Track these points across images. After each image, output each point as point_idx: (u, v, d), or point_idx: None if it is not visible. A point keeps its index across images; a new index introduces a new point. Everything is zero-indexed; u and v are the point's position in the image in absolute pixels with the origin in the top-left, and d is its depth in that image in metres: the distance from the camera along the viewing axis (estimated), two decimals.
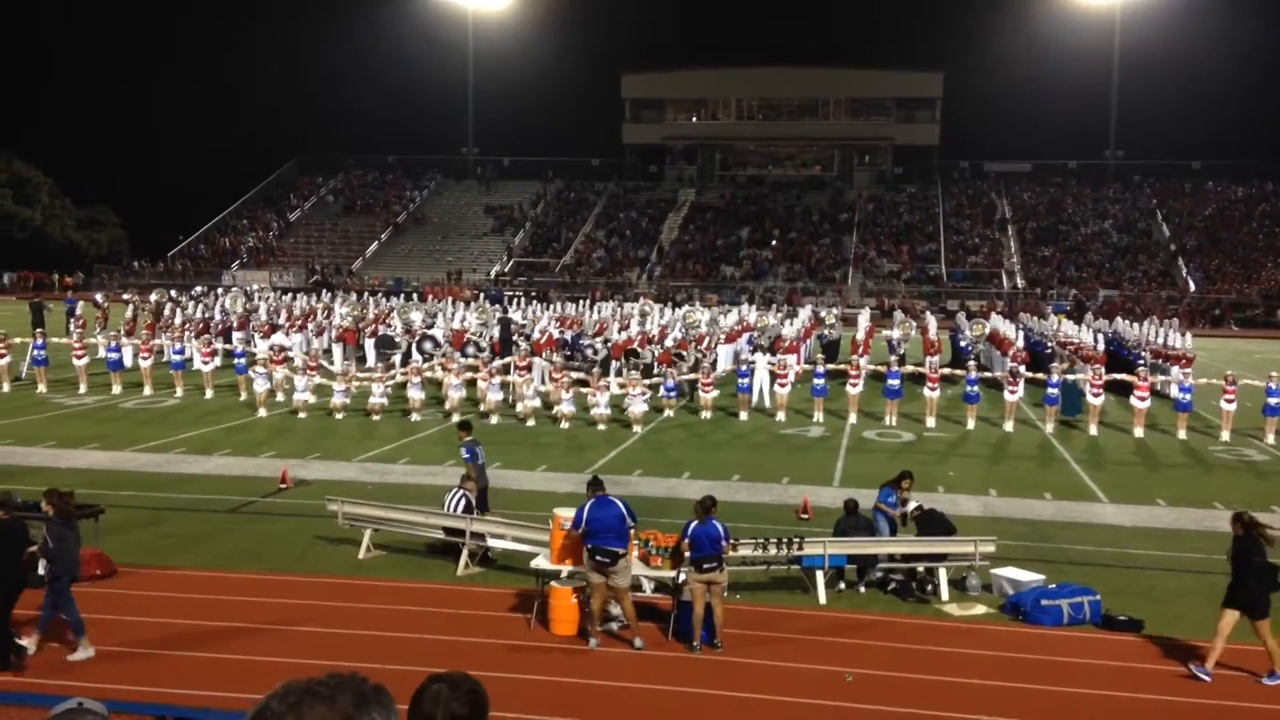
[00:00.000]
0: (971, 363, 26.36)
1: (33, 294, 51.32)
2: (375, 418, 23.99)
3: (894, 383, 25.29)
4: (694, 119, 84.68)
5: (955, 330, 36.80)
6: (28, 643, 10.43)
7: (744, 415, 25.49)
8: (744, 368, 26.64)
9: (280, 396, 25.28)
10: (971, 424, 24.54)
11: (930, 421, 24.84)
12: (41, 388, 27.00)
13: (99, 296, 41.56)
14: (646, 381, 25.09)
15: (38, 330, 29.26)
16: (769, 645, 11.14)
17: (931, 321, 37.73)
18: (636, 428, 23.42)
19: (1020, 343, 31.21)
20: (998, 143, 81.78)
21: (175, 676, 9.88)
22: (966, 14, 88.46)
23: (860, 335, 32.64)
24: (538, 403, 24.47)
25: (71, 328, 32.50)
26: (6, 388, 27.00)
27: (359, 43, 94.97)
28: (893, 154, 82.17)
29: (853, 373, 25.71)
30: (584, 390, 24.53)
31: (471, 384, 25.90)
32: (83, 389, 26.81)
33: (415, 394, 24.48)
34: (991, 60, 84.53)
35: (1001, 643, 11.46)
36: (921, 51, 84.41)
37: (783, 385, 25.75)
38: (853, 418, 25.09)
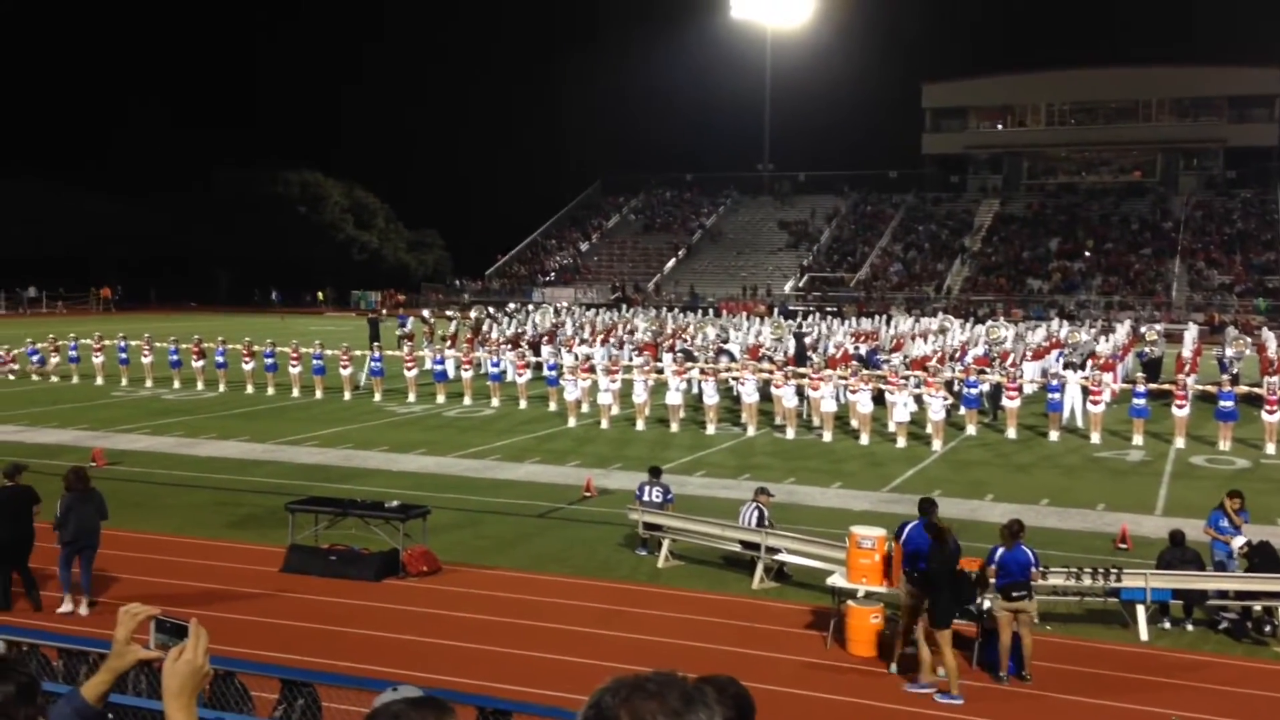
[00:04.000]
0: None
1: (370, 311, 56.22)
2: (674, 427, 24.63)
3: (1227, 404, 23.17)
4: (999, 126, 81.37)
5: None
6: (70, 607, 12.08)
7: (1054, 435, 24.19)
8: (1054, 383, 25.29)
9: (586, 407, 26.41)
10: None
11: (1270, 448, 22.62)
12: (377, 397, 29.53)
13: (426, 313, 45.03)
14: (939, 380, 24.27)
15: (374, 344, 32.08)
16: (1083, 681, 10.51)
17: (1270, 338, 34.29)
18: (936, 443, 22.76)
19: None
20: None
21: (492, 670, 10.53)
22: None
23: (1187, 353, 30.17)
24: (834, 408, 24.34)
25: (401, 342, 35.39)
26: (348, 396, 29.71)
27: (659, 66, 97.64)
28: (1224, 156, 75.55)
29: (1178, 393, 23.77)
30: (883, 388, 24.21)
31: (767, 396, 26.03)
32: (411, 398, 29.10)
33: (710, 399, 24.98)
34: None
35: None
36: (1256, 46, 77.11)
37: (1096, 404, 24.23)
38: (1179, 442, 23.20)
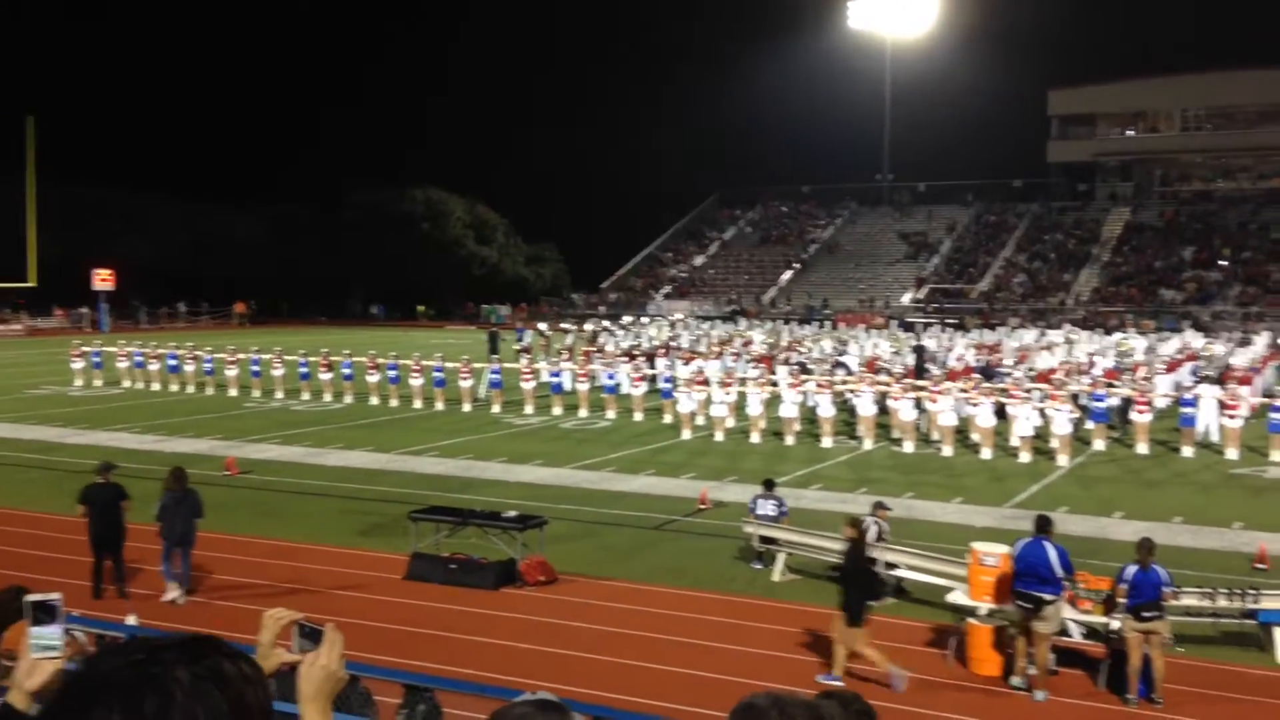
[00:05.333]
0: None
1: (490, 324, 57.29)
2: (789, 440, 24.47)
3: None
4: (1130, 133, 78.72)
5: None
6: (174, 595, 12.83)
7: (1188, 451, 23.27)
8: (1188, 397, 24.33)
9: (701, 419, 26.42)
10: None
11: None
12: (496, 408, 30.04)
13: (543, 325, 45.67)
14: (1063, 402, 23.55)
15: (493, 356, 32.70)
16: (1217, 705, 10.09)
17: None
18: (1061, 459, 22.12)
19: None
20: None
21: (608, 680, 10.61)
22: None
23: None
24: (953, 421, 23.86)
25: (519, 354, 35.97)
26: (468, 408, 30.30)
27: (776, 77, 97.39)
28: None
29: None
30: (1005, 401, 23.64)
31: (884, 409, 25.66)
32: (529, 410, 29.54)
33: (826, 412, 24.72)
34: None
35: None
36: None
37: (1232, 419, 23.23)
38: None
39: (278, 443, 24.90)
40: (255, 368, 33.67)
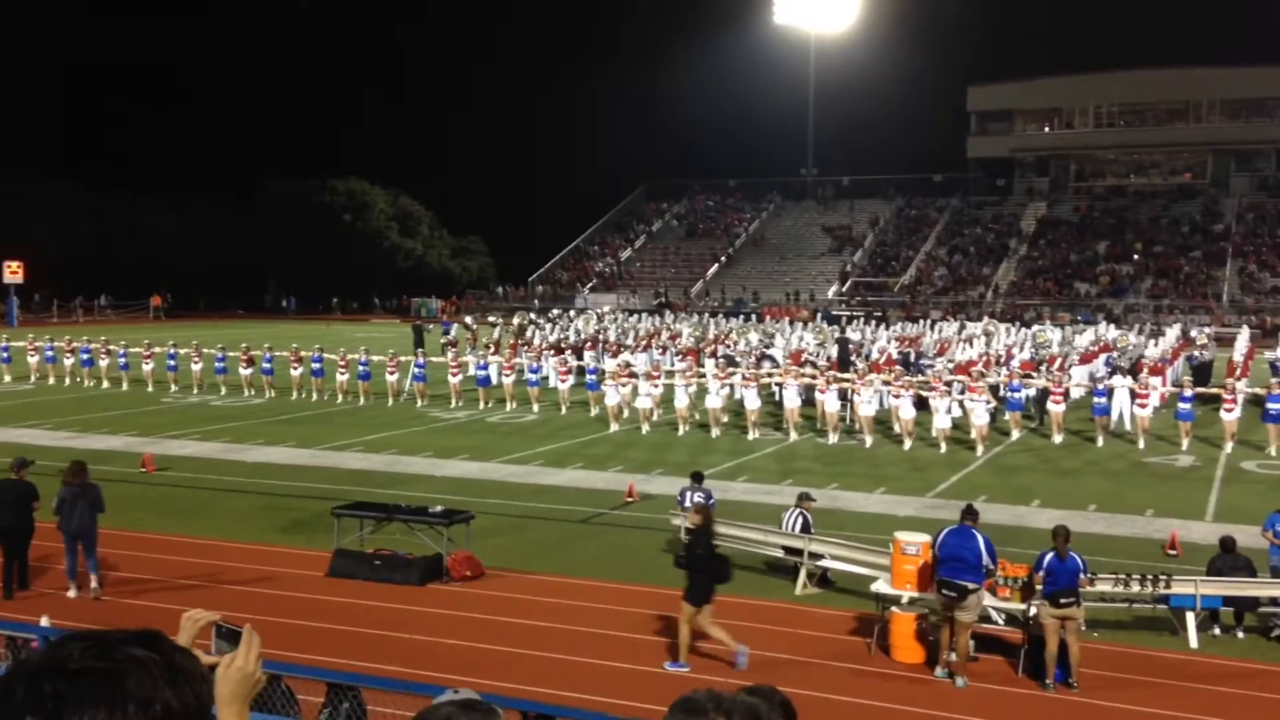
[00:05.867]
0: None
1: (416, 318, 56.66)
2: (715, 432, 24.64)
3: (1275, 407, 22.85)
4: (1046, 129, 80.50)
5: None
6: (73, 593, 12.66)
7: (1101, 440, 23.90)
8: (1100, 387, 24.99)
9: (627, 412, 26.44)
10: None
11: None
12: (419, 402, 29.74)
13: (469, 319, 45.30)
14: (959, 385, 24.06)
15: (418, 350, 32.40)
16: (1131, 688, 10.37)
17: None
18: (980, 449, 22.58)
19: None
20: None
21: (535, 675, 10.57)
22: None
23: (1238, 356, 29.72)
24: (873, 412, 24.25)
25: (446, 349, 35.66)
26: (392, 402, 29.96)
27: (703, 72, 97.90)
28: (1276, 158, 74.24)
29: (1227, 397, 23.41)
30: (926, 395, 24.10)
31: (809, 401, 25.92)
32: (454, 404, 29.30)
33: (751, 404, 24.93)
34: None
35: None
36: None
37: (1143, 408, 23.92)
38: (1229, 446, 22.87)
39: (196, 439, 24.38)
40: (172, 362, 32.93)
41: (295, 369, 31.21)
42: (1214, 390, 24.89)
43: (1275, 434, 22.81)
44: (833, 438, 24.09)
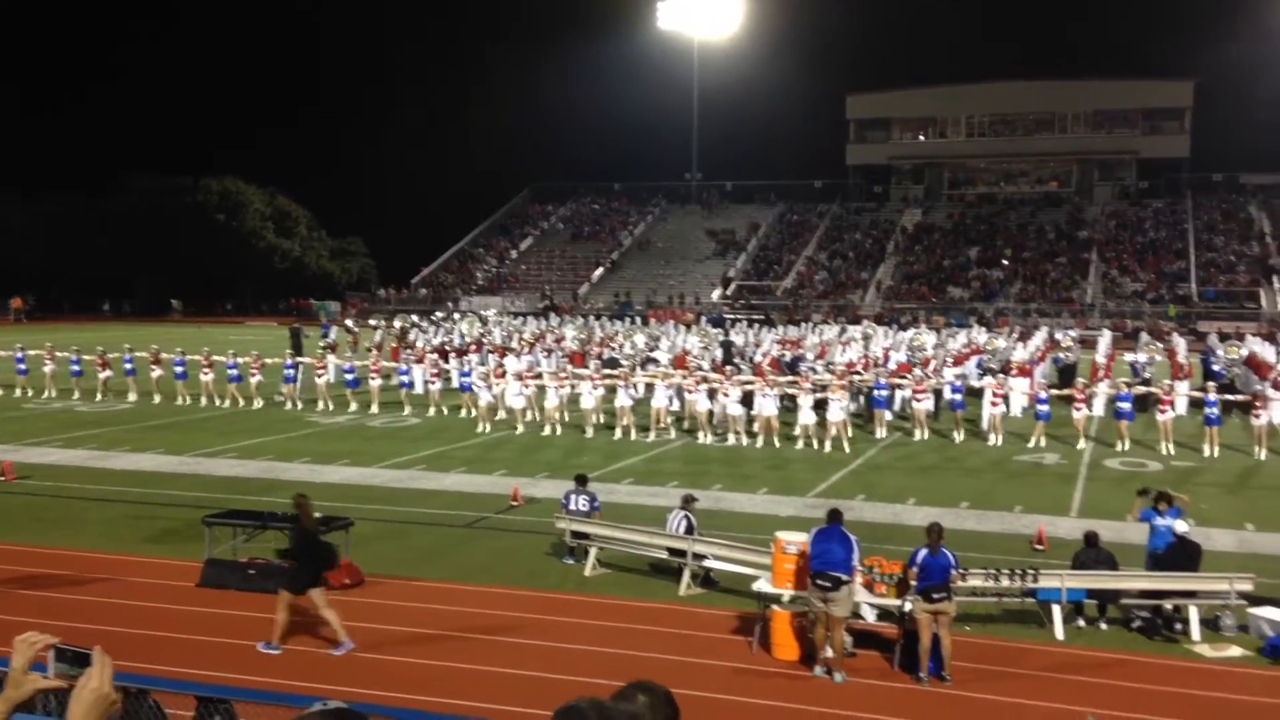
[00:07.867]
0: (1210, 384, 24.94)
1: (292, 319, 55.31)
2: (588, 433, 24.69)
3: (1125, 405, 24.50)
4: (921, 137, 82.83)
5: (1207, 352, 34.37)
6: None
7: (959, 437, 25.02)
8: (957, 383, 26.02)
9: (502, 414, 26.23)
10: (1210, 451, 23.15)
11: (1167, 448, 23.40)
12: (289, 405, 29.07)
13: (349, 322, 44.42)
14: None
15: (288, 351, 31.81)
16: (1001, 680, 10.71)
17: (1181, 344, 35.39)
18: (846, 446, 23.22)
19: None
20: (1256, 154, 75.81)
21: (415, 683, 10.40)
22: (1219, 19, 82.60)
23: (1101, 358, 31.07)
24: (739, 412, 24.68)
25: (321, 349, 34.94)
26: (259, 404, 29.25)
27: (586, 74, 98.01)
28: (1137, 168, 77.79)
29: (1078, 396, 24.88)
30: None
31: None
32: (321, 406, 28.79)
33: (624, 402, 25.11)
34: (1249, 66, 78.60)
35: (1259, 688, 10.60)
36: (1168, 60, 79.52)
37: (995, 406, 25.01)
38: (1081, 442, 24.08)
39: (60, 445, 23.37)
40: (22, 365, 31.53)
41: (155, 370, 30.28)
42: (1068, 392, 26.05)
43: (1122, 429, 24.04)
44: (707, 438, 24.41)
